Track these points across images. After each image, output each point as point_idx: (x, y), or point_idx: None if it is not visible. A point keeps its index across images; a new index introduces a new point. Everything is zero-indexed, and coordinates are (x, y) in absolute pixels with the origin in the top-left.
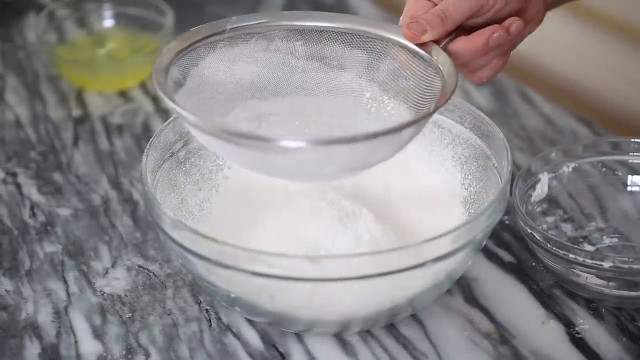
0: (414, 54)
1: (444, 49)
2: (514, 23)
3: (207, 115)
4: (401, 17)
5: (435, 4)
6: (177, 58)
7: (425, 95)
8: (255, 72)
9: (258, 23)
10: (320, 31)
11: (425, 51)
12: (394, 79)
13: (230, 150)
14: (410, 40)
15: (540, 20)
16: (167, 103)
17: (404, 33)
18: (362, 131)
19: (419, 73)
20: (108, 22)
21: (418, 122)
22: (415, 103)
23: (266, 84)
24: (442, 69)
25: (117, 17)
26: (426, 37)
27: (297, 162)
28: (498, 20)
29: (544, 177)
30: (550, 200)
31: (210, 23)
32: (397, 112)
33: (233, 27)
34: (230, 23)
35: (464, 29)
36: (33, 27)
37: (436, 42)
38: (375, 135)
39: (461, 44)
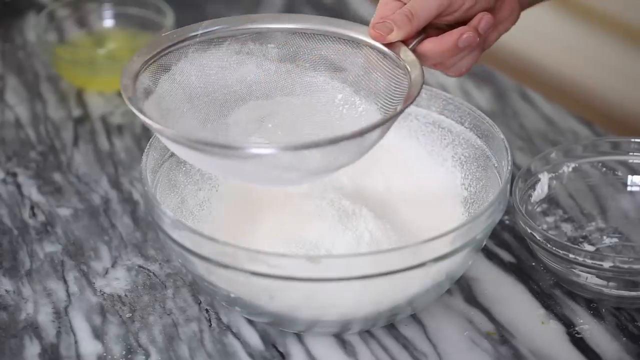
0: (384, 55)
1: (413, 50)
2: (484, 18)
3: (178, 120)
4: (372, 19)
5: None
6: (148, 65)
7: (395, 96)
8: (228, 76)
9: (229, 27)
10: (293, 33)
11: (394, 52)
12: (365, 80)
13: (195, 157)
14: (377, 41)
15: (515, 20)
16: (135, 112)
17: (370, 33)
18: (324, 136)
19: (389, 74)
20: (108, 22)
21: (381, 125)
22: (385, 104)
23: (239, 88)
24: (409, 69)
25: (117, 17)
26: (393, 37)
27: (260, 168)
28: (469, 19)
29: (544, 177)
30: (550, 200)
31: (182, 28)
32: (368, 114)
33: (204, 31)
34: (202, 27)
35: (435, 28)
36: (33, 27)
37: (405, 42)
38: (338, 140)
39: (430, 45)
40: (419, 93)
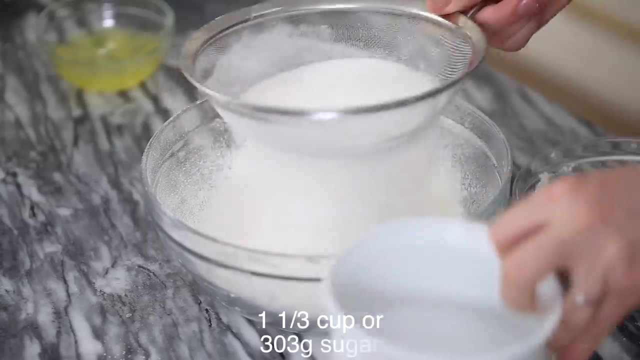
0: (441, 26)
1: (471, 19)
2: None
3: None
4: None
5: None
6: (204, 47)
7: (457, 65)
8: (282, 58)
9: (281, 9)
10: (345, 12)
11: (452, 22)
12: (423, 54)
13: (261, 129)
14: (435, 12)
15: None
16: (198, 87)
17: (428, 6)
18: (394, 98)
19: (447, 44)
20: (108, 22)
21: (452, 85)
22: (447, 74)
23: (293, 69)
24: (470, 35)
25: (117, 17)
26: (450, 8)
27: (328, 136)
28: None
29: (544, 177)
30: None
31: (233, 12)
32: (429, 86)
33: (257, 14)
34: (254, 11)
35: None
36: (33, 27)
37: (463, 13)
38: (408, 102)
39: (489, 13)
40: (484, 53)
